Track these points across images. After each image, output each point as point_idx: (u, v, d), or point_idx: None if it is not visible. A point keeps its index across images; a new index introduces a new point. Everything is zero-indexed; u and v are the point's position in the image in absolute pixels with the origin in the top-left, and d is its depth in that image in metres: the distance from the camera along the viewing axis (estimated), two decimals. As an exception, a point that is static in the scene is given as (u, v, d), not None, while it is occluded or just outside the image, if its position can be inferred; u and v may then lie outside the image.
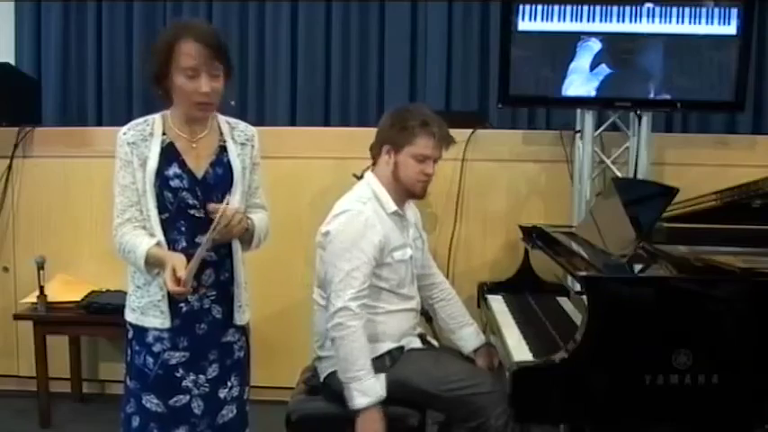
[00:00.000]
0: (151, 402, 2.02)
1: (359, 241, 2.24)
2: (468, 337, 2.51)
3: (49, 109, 4.30)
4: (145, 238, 1.96)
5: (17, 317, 3.42)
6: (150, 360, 2.02)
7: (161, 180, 1.97)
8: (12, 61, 4.15)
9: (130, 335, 2.05)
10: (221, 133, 2.08)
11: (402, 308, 2.38)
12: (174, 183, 1.98)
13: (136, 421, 2.03)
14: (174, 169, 1.98)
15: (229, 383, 2.10)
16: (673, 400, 1.96)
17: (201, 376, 2.05)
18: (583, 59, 3.16)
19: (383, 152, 2.36)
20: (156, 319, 2.00)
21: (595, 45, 3.15)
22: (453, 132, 3.50)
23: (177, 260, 1.88)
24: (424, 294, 2.59)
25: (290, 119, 4.26)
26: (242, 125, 2.13)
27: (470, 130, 3.49)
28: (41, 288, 3.34)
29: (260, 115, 4.27)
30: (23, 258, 3.59)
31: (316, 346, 2.41)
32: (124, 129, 2.00)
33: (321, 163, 3.48)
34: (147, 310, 2.01)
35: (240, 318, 2.10)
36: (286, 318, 3.41)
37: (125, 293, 2.09)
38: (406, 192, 2.38)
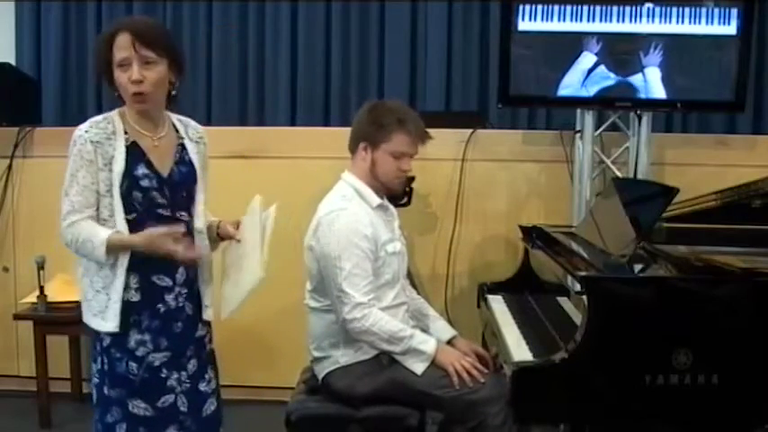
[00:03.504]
0: (138, 407, 1.98)
1: (352, 237, 2.24)
2: (443, 329, 2.51)
3: (49, 109, 4.30)
4: (102, 227, 1.93)
5: (17, 317, 3.41)
6: (134, 365, 1.97)
7: (130, 180, 1.94)
8: (12, 61, 4.15)
9: (106, 343, 1.97)
10: (177, 131, 2.08)
11: (399, 302, 2.38)
12: (144, 183, 1.96)
13: (122, 429, 1.98)
14: (142, 169, 1.96)
15: (207, 376, 2.11)
16: (673, 400, 1.96)
17: (183, 373, 2.04)
18: (577, 71, 3.17)
19: (359, 148, 2.36)
20: (110, 323, 1.94)
21: (588, 60, 3.15)
22: (453, 132, 3.58)
23: (160, 230, 1.90)
24: None
25: (290, 119, 4.26)
26: (193, 123, 2.13)
27: (470, 130, 3.49)
28: (41, 288, 3.33)
29: (260, 115, 4.27)
30: (23, 258, 3.59)
31: (312, 347, 2.41)
32: (84, 126, 1.94)
33: (321, 163, 3.47)
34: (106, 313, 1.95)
35: (207, 314, 2.12)
36: (285, 318, 3.40)
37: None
38: (385, 188, 2.39)
